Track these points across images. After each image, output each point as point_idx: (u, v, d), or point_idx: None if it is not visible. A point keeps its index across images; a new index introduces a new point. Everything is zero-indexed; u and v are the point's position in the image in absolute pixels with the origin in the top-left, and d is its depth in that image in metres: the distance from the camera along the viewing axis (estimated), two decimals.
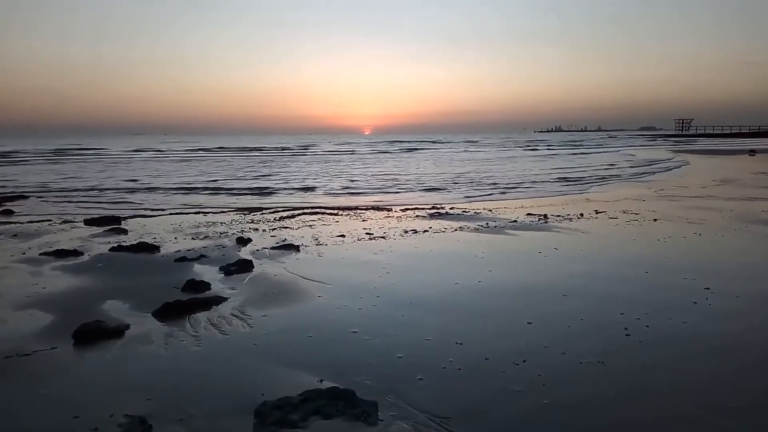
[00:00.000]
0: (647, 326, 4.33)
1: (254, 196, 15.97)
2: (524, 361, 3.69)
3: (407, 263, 6.61)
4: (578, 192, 15.38)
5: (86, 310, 4.88)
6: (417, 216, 10.70)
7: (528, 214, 10.57)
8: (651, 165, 25.72)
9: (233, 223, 10.28)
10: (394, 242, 7.96)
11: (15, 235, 9.11)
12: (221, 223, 10.31)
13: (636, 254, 6.97)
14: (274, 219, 10.69)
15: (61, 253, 7.36)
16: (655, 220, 9.67)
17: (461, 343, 4.00)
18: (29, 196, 16.42)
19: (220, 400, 3.21)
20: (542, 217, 10.08)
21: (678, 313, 4.62)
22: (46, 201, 15.39)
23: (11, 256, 7.40)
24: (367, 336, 4.18)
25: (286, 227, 9.60)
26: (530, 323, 4.42)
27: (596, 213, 10.64)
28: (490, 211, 11.33)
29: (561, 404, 3.12)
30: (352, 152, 49.14)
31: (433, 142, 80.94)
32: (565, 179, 19.67)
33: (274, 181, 20.88)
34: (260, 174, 24.88)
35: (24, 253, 7.54)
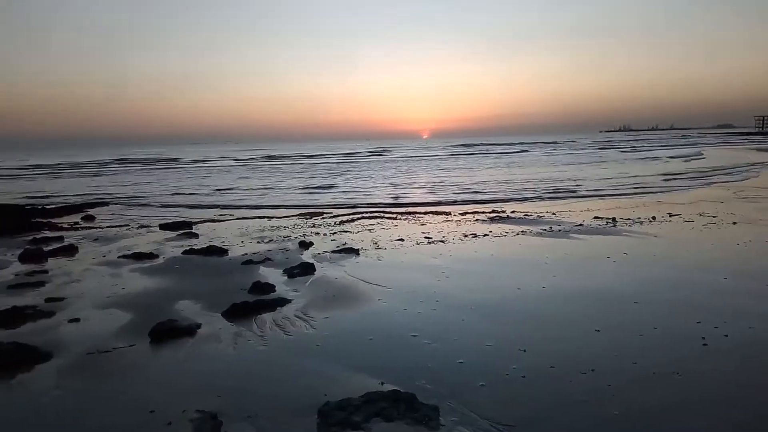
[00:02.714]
0: (726, 335, 4.05)
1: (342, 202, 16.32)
2: (592, 370, 3.55)
3: (467, 268, 6.54)
4: (648, 193, 14.64)
5: (161, 309, 5.16)
6: (477, 220, 10.56)
7: (595, 218, 10.18)
8: (728, 166, 24.09)
9: (295, 227, 10.55)
10: (453, 246, 7.90)
11: (96, 239, 9.78)
12: (284, 227, 10.61)
13: (713, 259, 6.55)
14: (335, 223, 10.88)
15: (138, 256, 7.83)
16: (734, 223, 9.05)
17: (525, 350, 3.91)
18: (109, 203, 17.59)
19: (285, 399, 3.30)
20: (610, 221, 9.67)
21: (760, 322, 4.30)
22: (124, 207, 16.43)
23: (93, 258, 7.95)
24: (427, 340, 4.17)
25: (346, 231, 9.75)
26: (598, 331, 4.25)
27: (669, 216, 10.09)
28: (554, 214, 11.00)
29: (632, 416, 2.98)
30: (432, 157, 47.35)
31: (509, 144, 77.76)
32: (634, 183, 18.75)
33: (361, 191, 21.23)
34: (338, 179, 25.38)
35: (104, 256, 8.08)
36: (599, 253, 7.10)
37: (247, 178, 28.01)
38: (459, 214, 11.68)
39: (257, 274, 6.47)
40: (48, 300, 5.61)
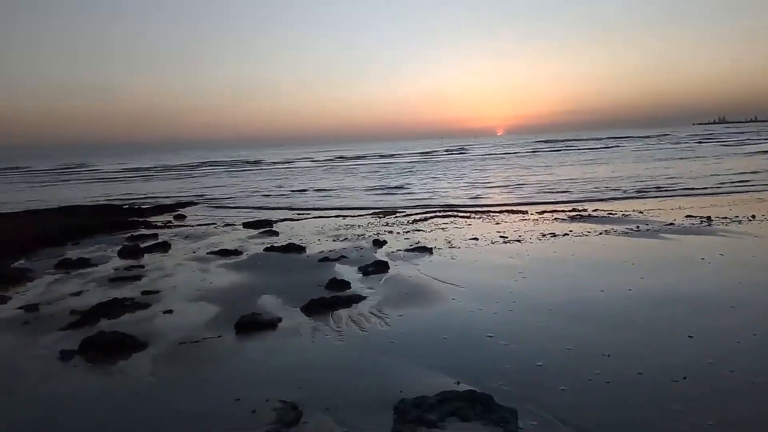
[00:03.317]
0: None
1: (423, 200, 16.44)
2: (684, 378, 3.31)
3: (545, 268, 6.33)
4: (747, 191, 13.45)
5: (245, 303, 5.42)
6: (556, 219, 10.19)
7: (687, 216, 9.50)
8: None
9: (369, 225, 10.70)
10: (530, 246, 7.67)
11: (187, 237, 10.44)
12: (358, 226, 10.79)
13: None
14: (408, 222, 10.92)
15: (224, 253, 8.28)
16: None
17: (609, 355, 3.72)
18: (198, 203, 18.73)
19: (361, 393, 3.35)
20: (705, 219, 8.99)
21: None
22: (211, 206, 17.42)
23: (184, 254, 8.49)
24: (503, 341, 4.08)
25: (419, 230, 9.75)
26: (691, 337, 3.96)
27: None
28: (641, 212, 10.39)
29: (729, 426, 2.75)
30: (510, 154, 45.77)
31: (595, 139, 73.22)
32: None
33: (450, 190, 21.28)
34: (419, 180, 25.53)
35: (194, 252, 8.61)
36: (692, 254, 6.62)
37: (323, 178, 28.76)
38: (536, 213, 11.32)
39: (333, 271, 6.63)
40: (144, 293, 6.06)
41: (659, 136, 65.82)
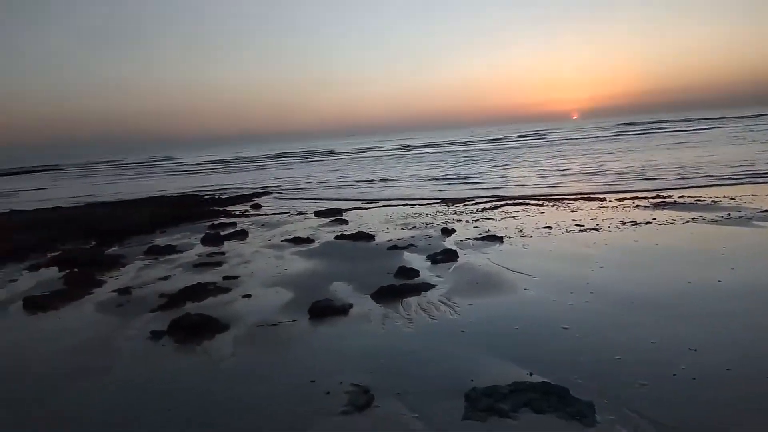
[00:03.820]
0: None
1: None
2: None
3: (625, 258, 6.02)
4: None
5: (318, 289, 5.58)
6: (637, 206, 9.66)
7: None
8: None
9: (438, 214, 10.65)
10: (609, 235, 7.33)
11: (263, 225, 10.88)
12: (427, 214, 10.77)
13: None
14: (477, 210, 10.76)
15: (297, 240, 8.55)
16: None
17: (695, 350, 3.50)
18: (272, 192, 19.44)
19: (432, 380, 3.37)
20: None
21: None
22: (285, 196, 18.02)
23: (260, 242, 8.86)
24: (579, 333, 3.94)
25: (488, 218, 9.58)
26: None
27: None
28: (733, 199, 9.62)
29: None
30: (589, 139, 43.23)
31: (686, 120, 66.31)
32: None
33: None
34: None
35: (270, 240, 8.96)
36: None
37: (392, 167, 28.89)
38: (616, 200, 10.78)
39: (402, 259, 6.67)
40: (225, 278, 6.39)
41: (757, 116, 59.99)
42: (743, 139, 27.97)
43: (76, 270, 7.07)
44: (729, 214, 8.03)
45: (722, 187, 12.03)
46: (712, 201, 9.54)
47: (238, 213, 13.44)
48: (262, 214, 12.94)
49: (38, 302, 5.76)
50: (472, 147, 47.16)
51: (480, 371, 3.43)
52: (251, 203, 15.71)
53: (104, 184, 32.91)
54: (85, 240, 10.28)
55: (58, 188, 31.56)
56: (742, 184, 12.28)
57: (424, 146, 57.54)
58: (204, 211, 13.57)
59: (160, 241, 9.49)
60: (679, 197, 10.36)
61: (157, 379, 3.76)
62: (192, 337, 4.48)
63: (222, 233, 9.72)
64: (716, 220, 7.70)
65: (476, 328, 4.23)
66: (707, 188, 11.98)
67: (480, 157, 31.19)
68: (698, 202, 9.50)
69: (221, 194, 19.69)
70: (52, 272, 7.43)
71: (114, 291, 6.15)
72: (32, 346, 4.65)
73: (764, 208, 8.34)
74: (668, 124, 59.94)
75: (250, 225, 10.90)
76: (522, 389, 3.08)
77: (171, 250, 8.49)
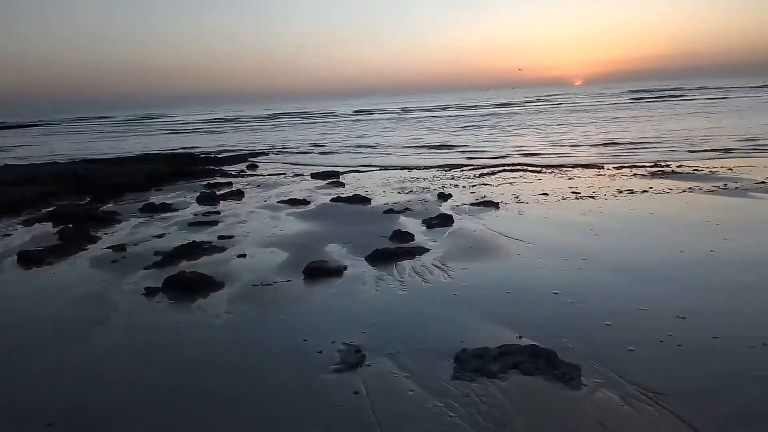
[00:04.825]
0: None
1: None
2: (764, 345, 3.12)
3: (620, 226, 6.05)
4: None
5: (313, 250, 5.60)
6: (634, 175, 9.64)
7: None
8: None
9: (434, 179, 10.61)
10: (604, 203, 7.33)
11: (259, 186, 10.84)
12: (423, 179, 10.73)
13: None
14: (474, 176, 10.72)
15: (293, 202, 8.54)
16: None
17: (684, 318, 3.55)
18: (269, 153, 19.28)
19: (423, 341, 3.42)
20: None
21: None
22: (281, 157, 17.89)
23: (256, 202, 8.84)
24: (570, 299, 3.98)
25: (485, 184, 9.56)
26: None
27: None
28: (731, 169, 9.60)
29: None
30: (589, 107, 42.04)
31: (700, 88, 63.10)
32: None
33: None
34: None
35: (266, 201, 8.94)
36: None
37: (394, 130, 28.62)
38: (614, 168, 10.75)
39: (397, 223, 6.68)
40: (220, 237, 6.40)
41: (765, 86, 58.72)
42: (758, 111, 27.43)
43: (70, 225, 7.06)
44: (725, 185, 8.04)
45: (721, 159, 11.97)
46: (710, 171, 9.52)
47: (234, 173, 13.36)
48: (259, 175, 12.87)
49: (33, 257, 5.77)
50: (475, 112, 46.57)
51: (471, 334, 3.48)
52: (247, 163, 15.60)
53: (98, 141, 32.56)
54: (80, 196, 10.24)
55: (52, 144, 31.21)
56: (741, 155, 12.22)
57: (425, 110, 56.81)
58: (199, 170, 13.48)
59: (156, 198, 9.45)
60: (678, 167, 10.33)
61: (154, 333, 3.82)
62: (187, 293, 4.52)
63: (218, 192, 9.69)
64: (712, 191, 7.71)
65: (469, 292, 4.27)
66: (704, 158, 11.93)
67: (483, 123, 30.85)
68: (696, 172, 9.49)
69: (217, 154, 19.52)
70: (47, 227, 7.43)
71: (109, 247, 6.15)
72: (28, 298, 4.69)
73: (760, 180, 8.34)
74: (681, 91, 58.65)
75: (246, 185, 10.85)
76: (511, 352, 3.13)
77: (166, 208, 8.47)
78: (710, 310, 3.67)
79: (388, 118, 42.42)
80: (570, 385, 2.82)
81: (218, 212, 8.10)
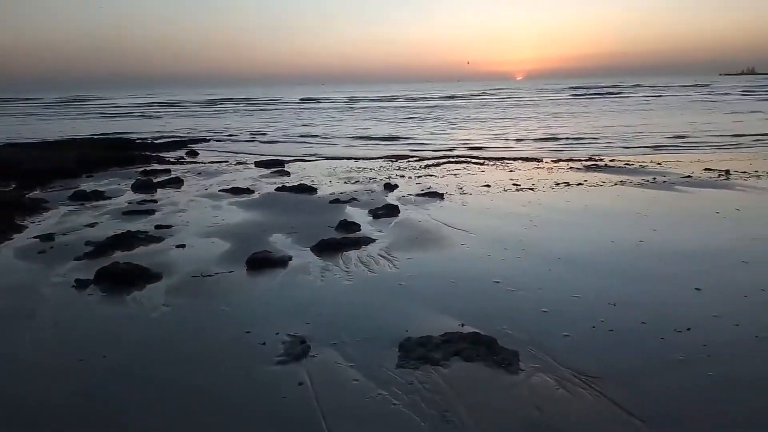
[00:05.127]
0: None
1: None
2: (688, 329, 3.34)
3: (557, 217, 6.29)
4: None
5: (256, 240, 5.49)
6: (570, 168, 10.05)
7: (706, 169, 9.31)
8: None
9: (381, 169, 10.64)
10: (543, 195, 7.61)
11: (199, 173, 10.49)
12: (370, 169, 10.74)
13: None
14: (420, 167, 10.83)
15: (236, 191, 8.32)
16: None
17: (614, 304, 3.75)
18: (210, 140, 18.67)
19: (368, 331, 3.44)
20: (723, 173, 8.81)
21: None
22: (223, 144, 17.37)
23: (196, 191, 8.55)
24: (510, 287, 4.11)
25: (431, 175, 9.69)
26: (699, 290, 3.96)
27: None
28: (659, 164, 10.20)
29: (729, 378, 2.80)
30: (530, 102, 43.91)
31: (632, 86, 67.56)
32: None
33: None
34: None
35: (206, 189, 8.66)
36: (707, 207, 6.54)
37: (341, 120, 28.40)
38: (552, 161, 11.16)
39: (344, 213, 6.65)
40: (157, 227, 6.15)
41: (696, 86, 62.48)
42: (687, 109, 29.16)
43: None
44: (654, 179, 8.52)
45: (651, 155, 12.67)
46: (640, 165, 10.07)
47: (172, 160, 12.85)
48: (199, 162, 12.45)
49: None
50: (421, 104, 46.91)
51: (416, 323, 3.53)
52: (187, 150, 15.04)
53: (24, 124, 30.43)
54: (3, 182, 9.54)
55: None
56: (669, 151, 12.98)
57: (372, 100, 56.69)
58: (135, 156, 12.86)
59: (87, 186, 8.94)
60: (610, 161, 10.86)
61: (85, 327, 3.63)
62: (121, 285, 4.31)
63: (155, 180, 9.30)
64: (642, 184, 8.16)
65: (414, 281, 4.32)
66: (636, 152, 12.61)
67: (428, 115, 31.16)
68: (627, 166, 10.00)
69: (154, 139, 18.70)
70: None
71: (35, 237, 5.78)
72: None
73: (686, 174, 8.90)
74: (619, 89, 61.41)
75: (186, 173, 10.48)
76: (453, 339, 3.20)
77: (98, 195, 8.04)
78: (639, 297, 3.89)
79: (336, 108, 42.06)
80: (509, 370, 2.92)
81: (155, 200, 7.77)
